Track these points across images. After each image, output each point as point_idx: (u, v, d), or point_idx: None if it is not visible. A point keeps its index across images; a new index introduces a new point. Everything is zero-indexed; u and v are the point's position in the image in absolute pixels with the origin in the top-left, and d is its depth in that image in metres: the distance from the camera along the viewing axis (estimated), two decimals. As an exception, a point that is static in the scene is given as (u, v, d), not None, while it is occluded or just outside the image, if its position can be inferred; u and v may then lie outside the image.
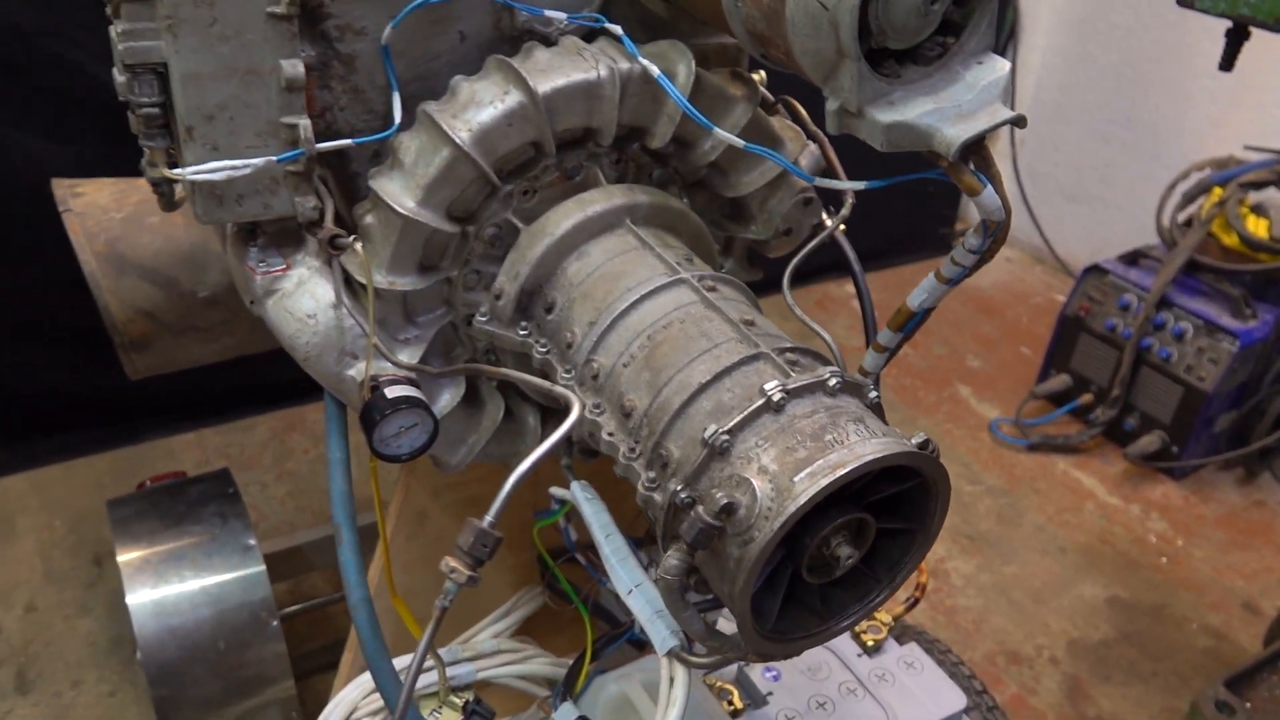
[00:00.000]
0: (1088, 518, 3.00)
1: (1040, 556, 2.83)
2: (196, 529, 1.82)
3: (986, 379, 3.62)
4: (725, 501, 0.87)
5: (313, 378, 1.18)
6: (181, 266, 1.55)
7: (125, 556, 1.77)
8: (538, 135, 1.13)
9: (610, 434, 1.03)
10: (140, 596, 1.73)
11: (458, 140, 1.08)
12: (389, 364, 1.17)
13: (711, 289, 1.09)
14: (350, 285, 1.17)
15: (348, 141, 1.12)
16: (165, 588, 1.75)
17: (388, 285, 1.14)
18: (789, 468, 0.88)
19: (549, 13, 1.17)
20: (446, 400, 1.25)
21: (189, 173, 1.05)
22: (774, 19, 0.97)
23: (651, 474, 0.98)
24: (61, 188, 1.61)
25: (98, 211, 1.58)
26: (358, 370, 1.16)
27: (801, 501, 0.85)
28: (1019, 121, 0.96)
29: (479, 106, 1.10)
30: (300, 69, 1.05)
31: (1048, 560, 2.82)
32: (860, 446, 0.89)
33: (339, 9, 1.10)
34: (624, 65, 1.14)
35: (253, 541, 1.82)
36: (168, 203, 1.16)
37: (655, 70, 1.11)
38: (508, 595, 1.68)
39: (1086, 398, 3.34)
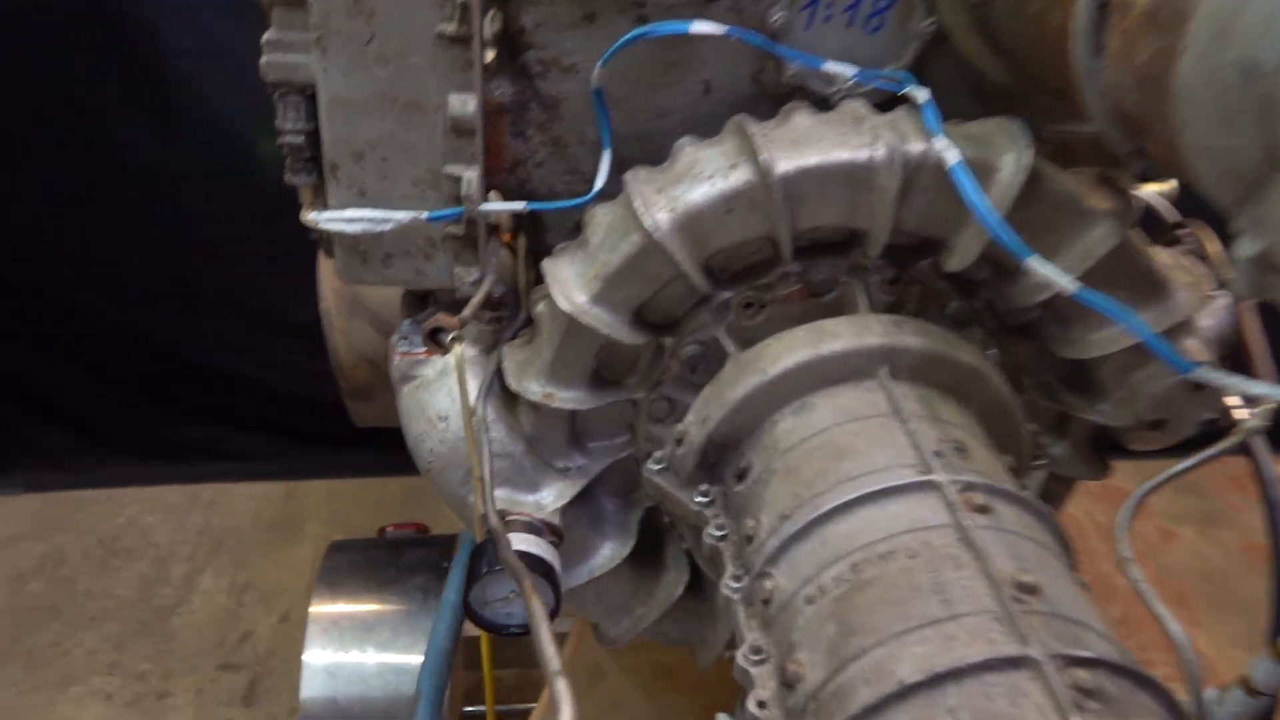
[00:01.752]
0: None
1: None
2: (395, 599, 1.66)
3: None
4: None
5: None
6: (406, 319, 1.40)
7: (318, 608, 1.64)
8: (768, 230, 0.79)
9: (761, 704, 0.66)
10: (317, 656, 1.60)
11: (650, 224, 0.78)
12: (528, 499, 0.88)
13: (982, 509, 0.68)
14: (509, 390, 0.90)
15: (519, 205, 0.85)
16: (344, 655, 1.60)
17: (542, 397, 0.86)
18: None
19: (830, 66, 0.83)
20: (607, 556, 0.94)
21: (323, 218, 0.84)
22: (1154, 91, 0.56)
23: (797, 803, 0.60)
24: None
25: (350, 246, 1.47)
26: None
27: None
28: None
29: (693, 181, 0.79)
30: (471, 107, 0.80)
31: None
32: None
33: (544, 38, 0.84)
34: (915, 147, 0.77)
35: (447, 628, 1.63)
36: (327, 247, 0.97)
37: (952, 158, 0.73)
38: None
39: None
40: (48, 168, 2.26)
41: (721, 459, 0.83)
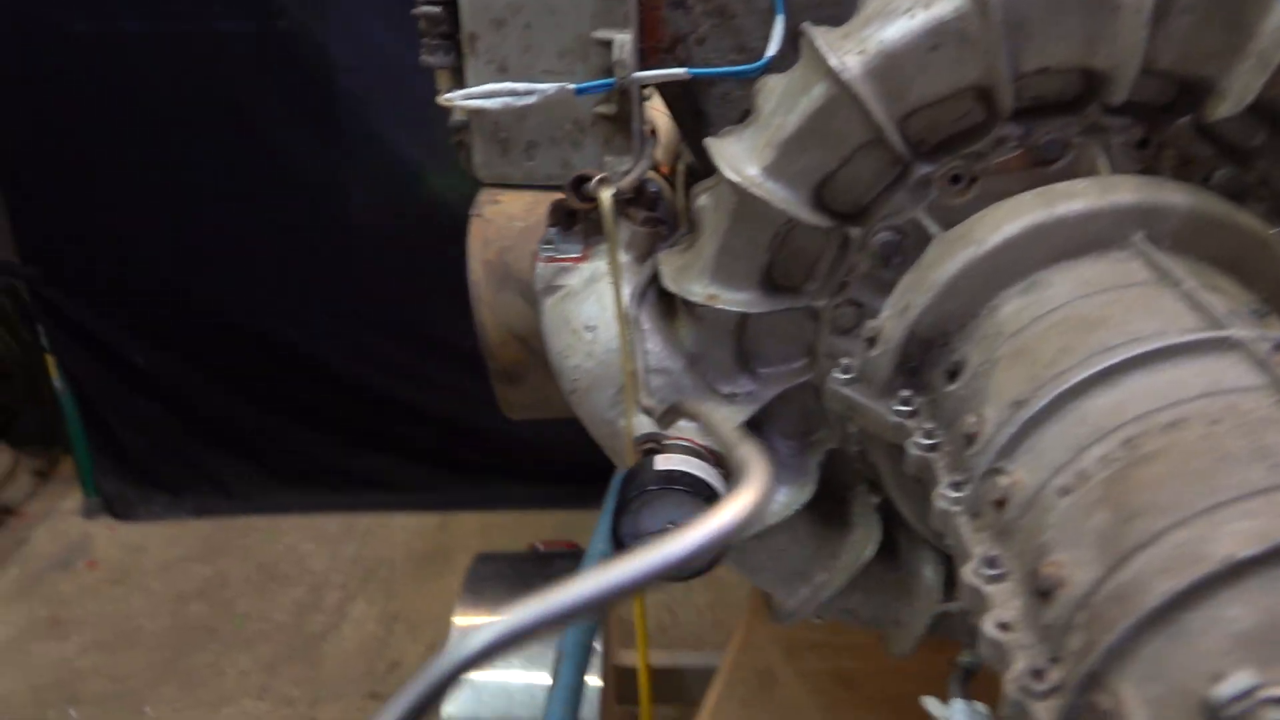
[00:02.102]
0: None
1: None
2: (544, 611, 1.54)
3: None
4: None
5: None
6: (557, 287, 1.30)
7: (463, 619, 1.54)
8: (982, 75, 0.65)
9: (1004, 625, 0.49)
10: (462, 670, 1.48)
11: (837, 65, 0.64)
12: (687, 424, 0.75)
13: (1302, 373, 0.50)
14: (668, 301, 0.78)
15: (680, 71, 0.74)
16: (489, 671, 1.48)
17: (705, 298, 0.73)
18: None
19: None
20: (782, 502, 0.79)
21: (457, 97, 0.75)
22: None
23: (1068, 739, 0.43)
24: (485, 193, 1.46)
25: (503, 219, 1.38)
26: (640, 423, 0.75)
27: None
28: None
29: (887, 18, 0.65)
30: (626, -46, 0.70)
31: None
32: None
33: (709, -120, 0.73)
34: (1177, -49, 0.61)
35: (598, 645, 1.49)
36: (467, 157, 0.88)
37: (1238, -70, 0.57)
38: None
39: None
40: (219, 188, 2.33)
41: (926, 359, 0.67)
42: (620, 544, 0.71)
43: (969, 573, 0.52)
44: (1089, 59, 0.65)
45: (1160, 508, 0.44)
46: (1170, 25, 0.63)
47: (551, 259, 0.79)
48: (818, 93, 0.66)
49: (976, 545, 0.54)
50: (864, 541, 0.80)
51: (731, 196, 0.70)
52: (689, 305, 0.75)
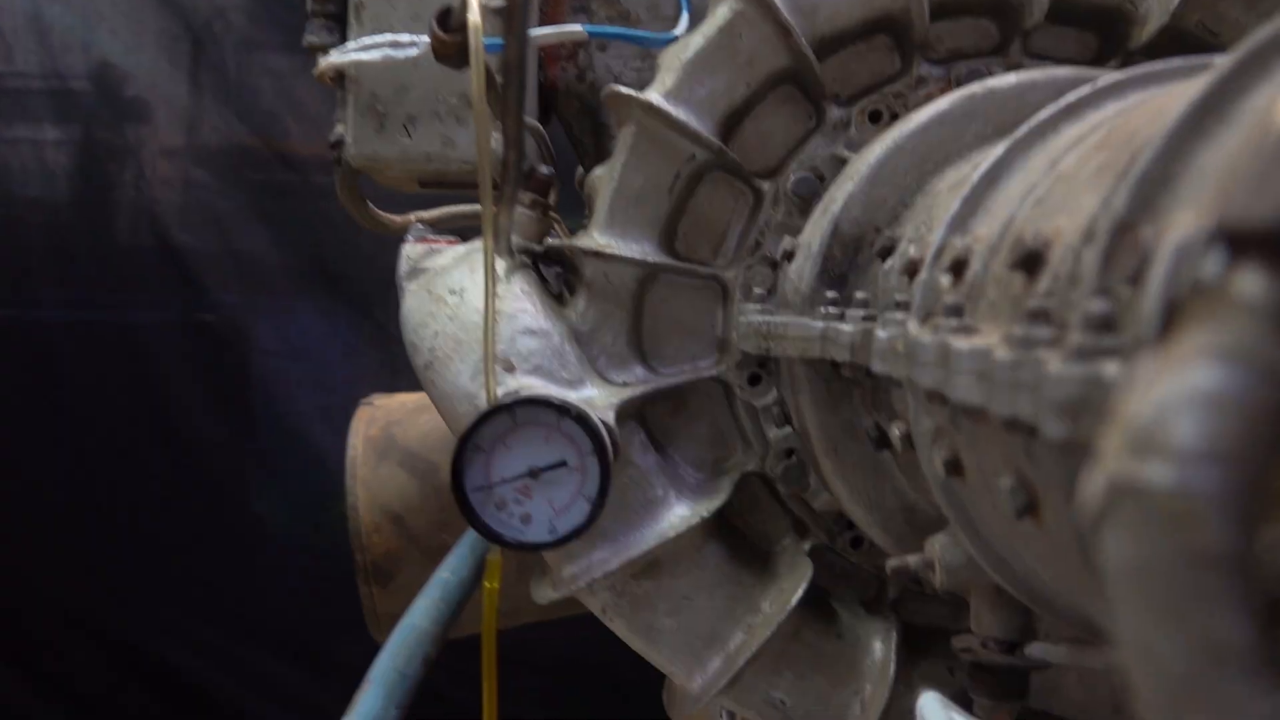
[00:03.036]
0: None
1: None
2: None
3: None
4: None
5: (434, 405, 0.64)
6: (445, 452, 1.14)
7: None
8: (896, -6, 0.61)
9: (984, 347, 0.34)
10: None
11: (745, -20, 0.60)
12: (569, 394, 0.60)
13: None
14: (560, 296, 0.66)
15: (575, 28, 0.69)
16: None
17: (599, 247, 0.62)
18: None
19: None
20: (682, 515, 0.61)
21: (333, 55, 0.68)
22: None
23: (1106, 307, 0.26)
24: (378, 394, 1.36)
25: (395, 404, 1.28)
26: (507, 387, 0.60)
27: None
28: None
29: (793, -53, 0.63)
30: (525, -85, 0.68)
31: None
32: None
33: (615, -113, 0.75)
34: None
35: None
36: (344, 176, 0.78)
37: None
38: None
39: None
40: (105, 474, 2.13)
41: (854, 264, 0.55)
42: (463, 502, 0.53)
43: (926, 334, 0.37)
44: (1002, -19, 0.62)
45: (1158, 119, 0.32)
46: (1080, -56, 0.61)
47: (423, 239, 0.68)
48: (723, 11, 0.61)
49: (924, 334, 0.39)
50: (792, 588, 0.61)
51: (630, 127, 0.62)
52: (579, 274, 0.64)
